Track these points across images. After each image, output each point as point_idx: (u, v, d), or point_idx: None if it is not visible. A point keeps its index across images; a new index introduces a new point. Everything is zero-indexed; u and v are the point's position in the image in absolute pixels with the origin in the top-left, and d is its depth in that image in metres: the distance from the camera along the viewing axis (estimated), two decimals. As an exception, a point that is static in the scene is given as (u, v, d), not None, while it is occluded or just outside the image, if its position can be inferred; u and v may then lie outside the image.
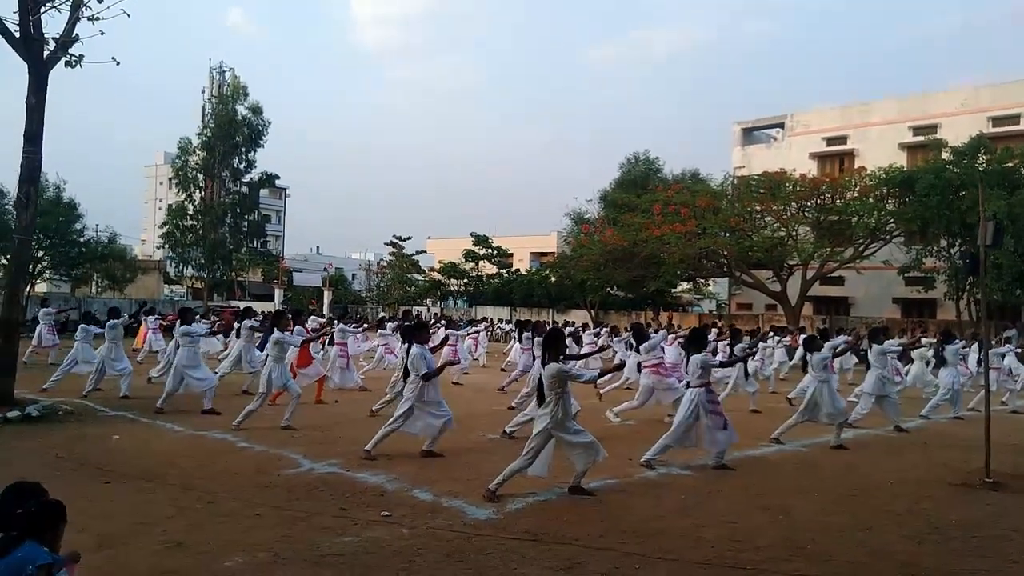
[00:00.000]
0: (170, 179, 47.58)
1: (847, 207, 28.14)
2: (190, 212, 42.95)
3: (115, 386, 12.26)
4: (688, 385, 8.13)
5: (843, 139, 38.46)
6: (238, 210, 44.44)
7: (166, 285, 53.09)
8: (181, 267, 46.07)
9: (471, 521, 5.74)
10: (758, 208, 30.12)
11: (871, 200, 27.83)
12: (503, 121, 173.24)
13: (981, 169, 24.99)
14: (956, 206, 24.39)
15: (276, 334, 9.73)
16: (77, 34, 10.71)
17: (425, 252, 52.74)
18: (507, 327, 35.75)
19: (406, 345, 8.38)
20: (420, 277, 48.78)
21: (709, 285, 41.22)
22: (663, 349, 11.59)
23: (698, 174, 40.40)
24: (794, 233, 29.78)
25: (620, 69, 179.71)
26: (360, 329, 16.70)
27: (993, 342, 16.03)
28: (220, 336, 16.33)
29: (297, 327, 12.56)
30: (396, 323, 18.59)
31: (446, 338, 15.10)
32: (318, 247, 78.20)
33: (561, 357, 6.67)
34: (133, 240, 65.11)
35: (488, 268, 47.27)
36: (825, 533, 5.68)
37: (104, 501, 6.02)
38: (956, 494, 7.11)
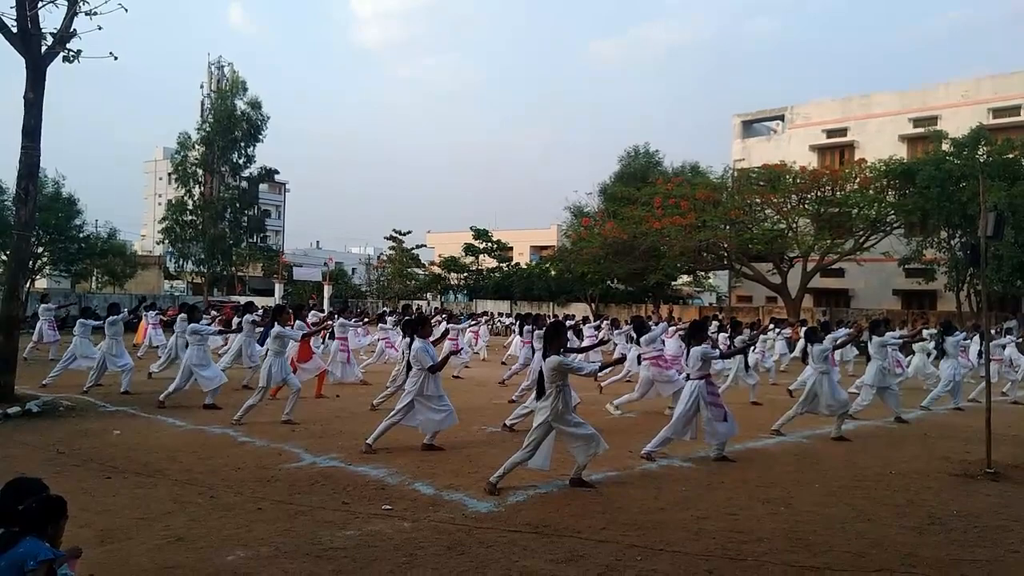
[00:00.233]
0: (169, 174, 47.59)
1: (847, 199, 28.12)
2: (190, 207, 42.85)
3: (116, 382, 12.27)
4: (688, 377, 8.14)
5: (843, 131, 38.36)
6: (238, 205, 44.34)
7: (166, 280, 53.13)
8: (181, 262, 46.02)
9: (472, 514, 5.74)
10: (758, 200, 30.12)
11: (871, 192, 27.83)
12: (503, 121, 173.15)
13: (981, 160, 24.94)
14: (956, 197, 24.37)
15: (276, 328, 9.73)
16: (75, 29, 10.68)
17: (425, 246, 52.63)
18: (507, 321, 35.80)
19: (408, 339, 8.38)
20: (420, 271, 48.73)
21: (709, 278, 41.15)
22: (663, 341, 11.60)
23: (698, 167, 40.34)
24: (794, 225, 29.77)
25: (620, 65, 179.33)
26: (361, 323, 16.71)
27: (993, 333, 16.01)
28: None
29: (298, 322, 12.56)
30: (396, 317, 18.61)
31: (446, 332, 15.11)
32: (318, 242, 78.46)
33: (562, 350, 6.67)
34: (133, 236, 65.26)
35: (488, 262, 47.24)
36: (826, 524, 5.69)
37: (105, 496, 6.03)
38: (957, 485, 7.12)
